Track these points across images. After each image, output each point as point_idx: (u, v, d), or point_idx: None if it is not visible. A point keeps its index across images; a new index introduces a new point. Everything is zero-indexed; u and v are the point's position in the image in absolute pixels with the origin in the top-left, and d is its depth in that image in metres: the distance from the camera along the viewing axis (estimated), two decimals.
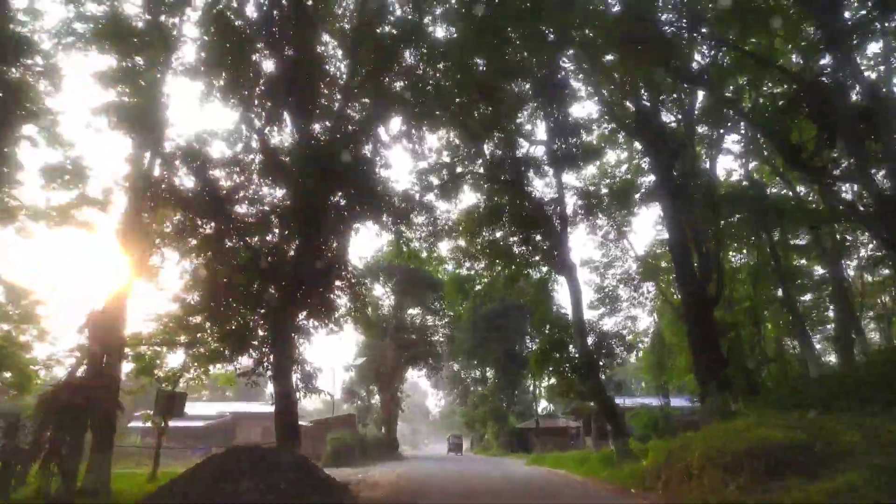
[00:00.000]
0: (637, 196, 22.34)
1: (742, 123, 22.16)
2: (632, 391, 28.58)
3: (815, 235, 21.01)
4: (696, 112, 19.62)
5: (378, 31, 18.12)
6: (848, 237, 21.89)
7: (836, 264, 22.51)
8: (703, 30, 15.73)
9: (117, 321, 14.94)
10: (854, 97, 14.11)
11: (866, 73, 16.89)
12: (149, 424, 39.90)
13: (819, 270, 25.52)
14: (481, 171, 23.52)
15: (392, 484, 15.14)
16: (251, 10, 16.86)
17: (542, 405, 54.26)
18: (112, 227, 16.01)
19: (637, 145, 25.34)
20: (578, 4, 16.39)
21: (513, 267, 24.70)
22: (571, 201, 22.86)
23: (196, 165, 15.24)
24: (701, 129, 20.91)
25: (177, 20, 16.84)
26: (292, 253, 16.15)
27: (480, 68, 20.35)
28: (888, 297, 29.05)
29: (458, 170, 23.25)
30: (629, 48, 14.63)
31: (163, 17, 16.35)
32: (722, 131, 20.61)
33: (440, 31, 21.09)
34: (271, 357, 14.85)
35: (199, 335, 18.07)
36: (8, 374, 19.87)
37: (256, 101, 16.81)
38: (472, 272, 25.18)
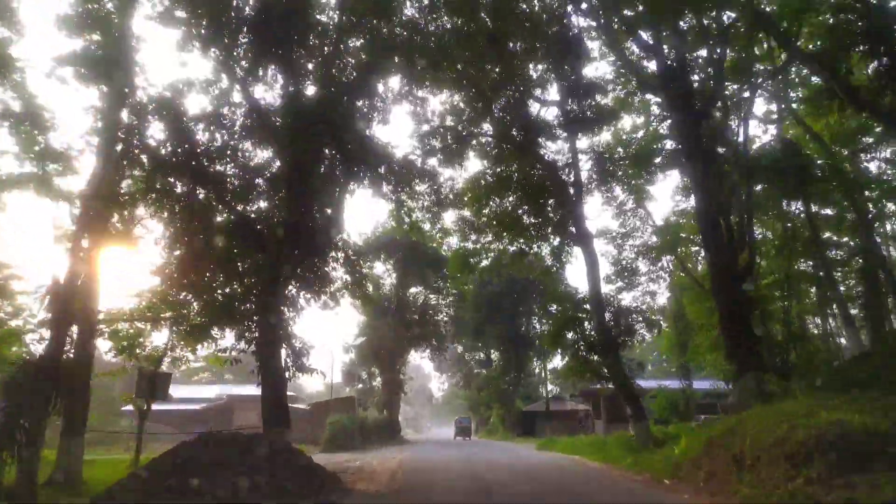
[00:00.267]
0: (658, 160, 20.54)
1: (770, 83, 20.38)
2: (643, 372, 27.09)
3: (851, 203, 19.26)
4: (726, 65, 17.74)
5: None
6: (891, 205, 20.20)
7: (869, 236, 20.80)
8: None
9: (89, 295, 13.50)
10: None
11: None
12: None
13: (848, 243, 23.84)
14: (489, 134, 21.74)
15: (391, 473, 13.68)
16: None
17: (548, 388, 53.02)
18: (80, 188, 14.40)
19: (655, 109, 23.52)
20: None
21: (521, 240, 23.05)
22: (586, 167, 21.13)
23: (170, 118, 13.56)
24: (731, 89, 19.09)
25: None
26: (281, 219, 14.54)
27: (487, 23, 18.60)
28: None
29: (464, 133, 21.46)
30: None
31: None
32: (752, 90, 18.72)
33: None
34: (256, 332, 13.31)
35: (183, 311, 16.61)
36: None
37: (240, 52, 15.09)
38: (479, 246, 23.48)
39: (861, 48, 11.68)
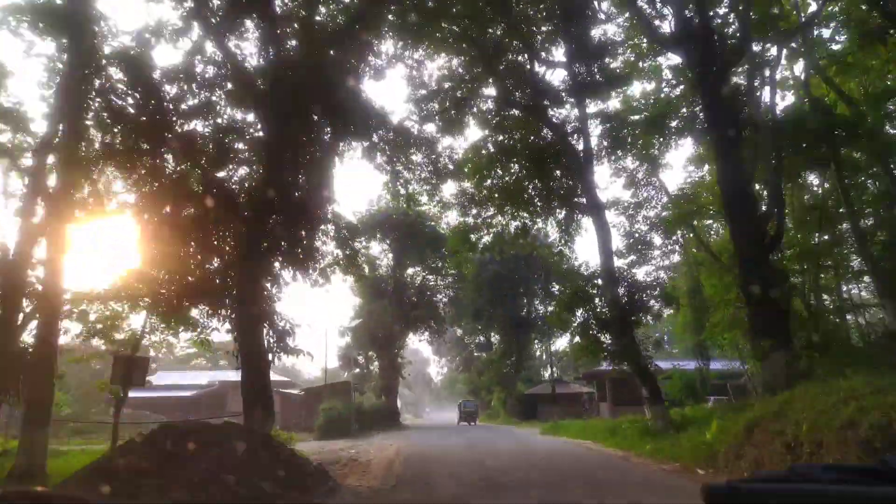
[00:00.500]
0: (674, 125, 19.01)
1: (797, 40, 18.79)
2: (658, 352, 25.69)
3: (884, 168, 17.76)
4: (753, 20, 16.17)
5: None
6: None
7: None
8: None
9: (53, 272, 12.08)
10: None
11: None
12: (133, 394, 37.40)
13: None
14: (491, 97, 20.18)
15: (388, 463, 12.37)
16: None
17: (550, 370, 51.92)
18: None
19: (667, 74, 21.97)
20: None
21: (525, 215, 21.59)
22: (596, 133, 19.59)
23: (134, 71, 11.98)
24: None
25: None
26: (260, 184, 13.03)
27: None
28: None
29: (463, 98, 19.88)
30: None
31: None
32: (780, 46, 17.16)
33: None
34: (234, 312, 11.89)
35: (162, 291, 15.17)
36: None
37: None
38: (479, 220, 21.99)
39: None
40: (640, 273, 18.70)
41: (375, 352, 38.10)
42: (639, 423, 16.67)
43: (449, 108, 19.25)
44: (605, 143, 19.53)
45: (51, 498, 1.47)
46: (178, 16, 13.01)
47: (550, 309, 40.22)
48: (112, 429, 15.88)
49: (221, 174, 13.53)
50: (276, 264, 13.19)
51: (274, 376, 47.58)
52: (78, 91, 12.18)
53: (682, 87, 20.95)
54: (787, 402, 9.39)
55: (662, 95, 22.06)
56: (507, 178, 21.36)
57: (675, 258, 22.41)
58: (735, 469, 8.84)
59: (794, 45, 19.03)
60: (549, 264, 37.27)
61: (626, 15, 19.95)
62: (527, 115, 19.10)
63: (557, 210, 20.86)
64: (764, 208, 16.20)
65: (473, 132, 21.42)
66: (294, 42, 14.44)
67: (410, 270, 38.57)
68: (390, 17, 16.32)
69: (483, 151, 20.90)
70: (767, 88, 17.41)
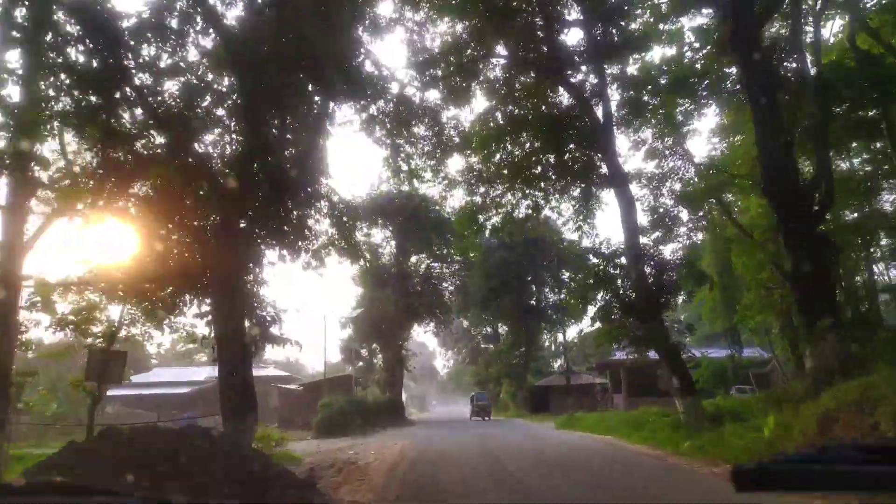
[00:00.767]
0: (704, 85, 17.23)
1: None
2: (690, 336, 23.79)
3: None
4: None
5: None
6: None
7: None
8: None
9: (10, 256, 10.57)
10: None
11: None
12: (127, 392, 35.69)
13: None
14: (502, 58, 18.44)
15: (390, 467, 10.77)
16: None
17: (559, 361, 50.34)
18: None
19: (689, 37, 20.12)
20: None
21: (537, 192, 19.87)
22: (615, 100, 17.82)
23: (89, 20, 10.32)
24: None
25: None
26: (238, 151, 11.41)
27: None
28: None
29: (470, 63, 18.14)
30: None
31: None
32: None
33: None
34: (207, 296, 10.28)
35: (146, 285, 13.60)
36: None
37: None
38: (487, 200, 20.27)
39: None
40: (667, 251, 17.00)
41: (379, 344, 36.51)
42: (669, 417, 15.06)
43: (454, 73, 17.51)
44: (625, 111, 17.76)
45: (73, 488, 1.52)
46: None
47: (561, 297, 38.59)
48: (87, 428, 14.39)
49: (188, 133, 11.91)
50: (259, 242, 11.60)
51: (274, 371, 45.91)
52: (33, 49, 10.63)
53: (704, 50, 19.22)
54: (867, 389, 7.78)
55: (686, 61, 20.29)
56: (517, 153, 19.62)
57: (701, 236, 20.62)
58: None
59: None
60: (559, 250, 35.55)
61: None
62: (540, 79, 17.35)
63: (573, 187, 19.13)
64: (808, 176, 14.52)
65: (480, 103, 19.85)
66: None
67: (414, 258, 36.84)
68: None
69: (491, 123, 19.15)
70: (808, 41, 15.67)
